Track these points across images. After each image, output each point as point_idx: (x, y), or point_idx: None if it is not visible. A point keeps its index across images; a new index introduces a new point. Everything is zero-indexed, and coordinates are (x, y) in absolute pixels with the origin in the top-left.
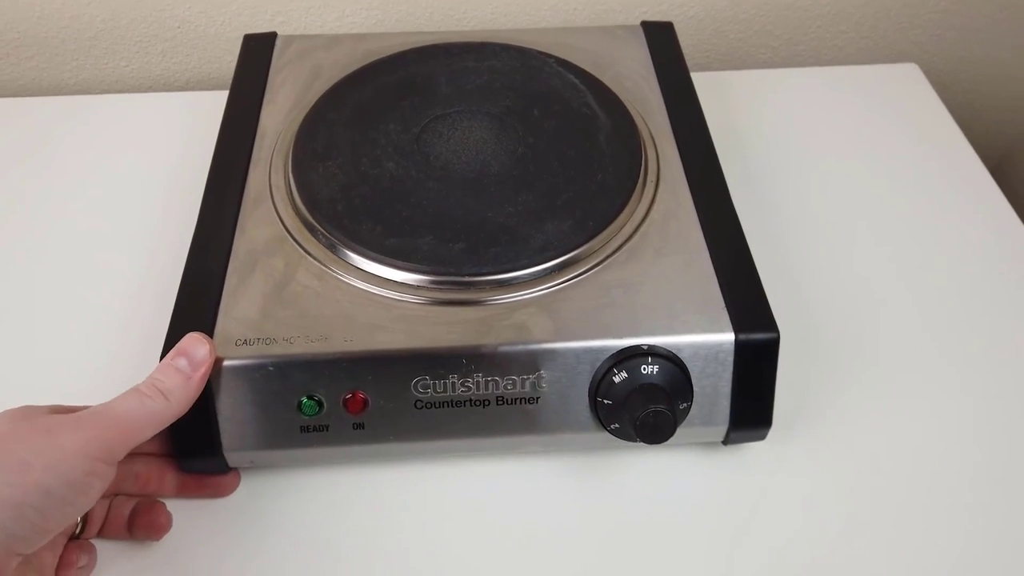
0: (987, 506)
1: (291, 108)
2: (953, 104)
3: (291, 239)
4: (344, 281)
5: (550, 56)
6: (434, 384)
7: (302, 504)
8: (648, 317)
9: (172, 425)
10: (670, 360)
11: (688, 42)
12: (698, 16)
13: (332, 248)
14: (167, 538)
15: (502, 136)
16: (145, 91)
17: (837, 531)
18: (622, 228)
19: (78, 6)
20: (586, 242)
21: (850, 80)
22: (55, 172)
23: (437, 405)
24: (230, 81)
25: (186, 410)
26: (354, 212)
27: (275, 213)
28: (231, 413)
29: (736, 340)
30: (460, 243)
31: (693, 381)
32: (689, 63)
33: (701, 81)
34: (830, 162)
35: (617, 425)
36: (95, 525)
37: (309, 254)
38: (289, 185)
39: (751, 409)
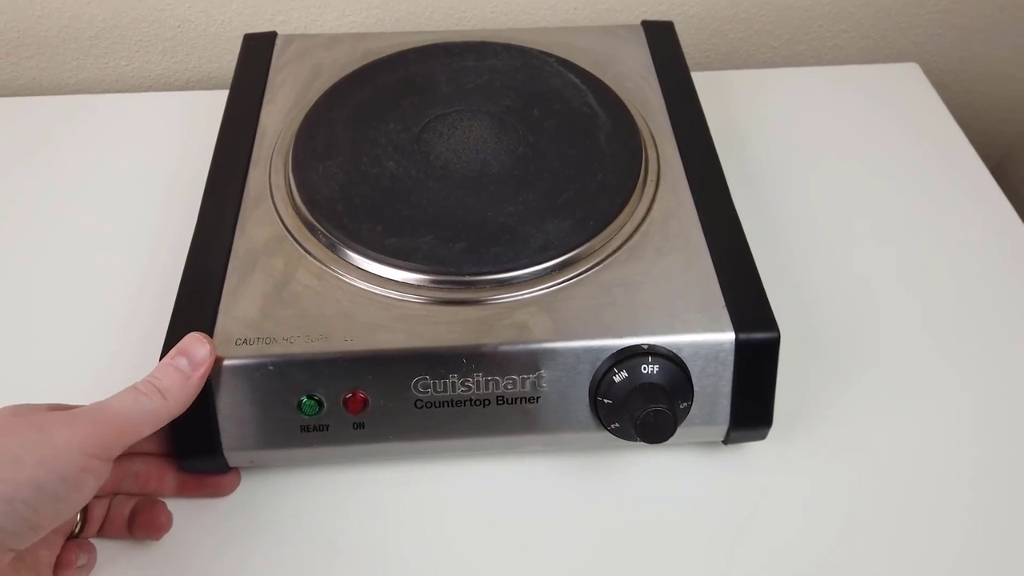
0: (987, 506)
1: (291, 107)
2: (953, 104)
3: (291, 238)
4: (344, 280)
5: (550, 55)
6: (434, 384)
7: (302, 504)
8: (648, 316)
9: (172, 424)
10: (670, 359)
11: (688, 42)
12: (698, 16)
13: (332, 247)
14: (167, 538)
15: (502, 135)
16: (145, 91)
17: (837, 531)
18: (622, 227)
19: (78, 5)
20: (586, 241)
21: (850, 80)
22: (55, 172)
23: (437, 405)
24: (230, 80)
25: (184, 409)
26: (354, 211)
27: (275, 212)
28: (231, 412)
29: (736, 339)
30: (460, 242)
31: (693, 380)
32: (689, 63)
33: (701, 81)
34: (830, 162)
35: (617, 425)
36: (95, 524)
37: (309, 253)
38: (289, 184)
39: (751, 409)
